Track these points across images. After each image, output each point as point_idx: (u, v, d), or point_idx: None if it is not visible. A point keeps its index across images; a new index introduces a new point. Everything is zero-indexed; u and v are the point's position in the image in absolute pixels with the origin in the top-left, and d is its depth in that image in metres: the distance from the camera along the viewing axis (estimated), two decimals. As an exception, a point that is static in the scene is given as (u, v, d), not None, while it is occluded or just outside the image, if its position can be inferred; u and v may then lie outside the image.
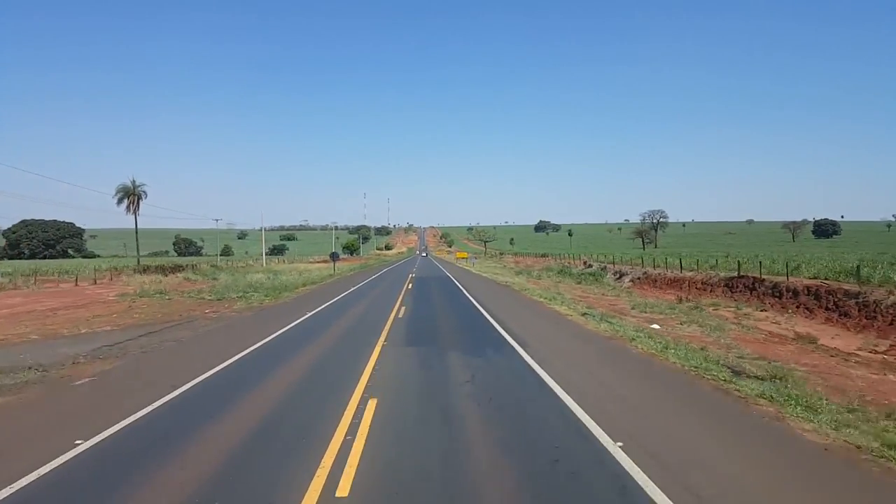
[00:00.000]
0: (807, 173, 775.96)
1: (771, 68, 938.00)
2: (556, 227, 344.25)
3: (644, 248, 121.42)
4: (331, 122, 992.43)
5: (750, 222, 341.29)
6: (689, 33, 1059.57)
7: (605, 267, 43.08)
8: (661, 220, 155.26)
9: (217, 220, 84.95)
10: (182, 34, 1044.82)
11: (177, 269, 44.06)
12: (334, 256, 45.23)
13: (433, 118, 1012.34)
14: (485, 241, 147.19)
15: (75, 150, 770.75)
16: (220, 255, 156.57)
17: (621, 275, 37.84)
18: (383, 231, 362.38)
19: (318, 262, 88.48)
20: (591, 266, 47.32)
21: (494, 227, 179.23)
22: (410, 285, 32.67)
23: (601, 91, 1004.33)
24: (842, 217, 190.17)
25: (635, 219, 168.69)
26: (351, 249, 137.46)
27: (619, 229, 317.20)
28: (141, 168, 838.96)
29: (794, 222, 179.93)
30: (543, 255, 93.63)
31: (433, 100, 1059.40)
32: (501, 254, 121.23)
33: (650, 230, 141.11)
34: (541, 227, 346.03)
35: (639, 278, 34.56)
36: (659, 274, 33.27)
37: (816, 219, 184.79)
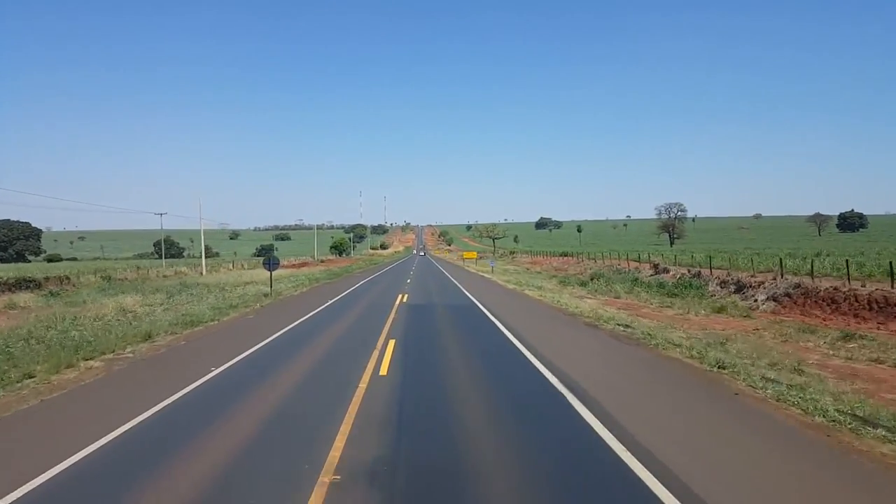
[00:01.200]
0: (813, 167, 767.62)
1: (768, 66, 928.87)
2: (558, 224, 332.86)
3: (671, 245, 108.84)
4: (327, 120, 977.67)
5: (758, 217, 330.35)
6: (689, 32, 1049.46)
7: (699, 273, 30.03)
8: (680, 213, 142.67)
9: (161, 215, 71.43)
10: (178, 33, 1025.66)
11: (23, 284, 27.87)
12: (270, 264, 29.74)
13: (430, 116, 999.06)
14: (493, 239, 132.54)
15: (54, 153, 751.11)
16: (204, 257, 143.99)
17: (741, 287, 24.87)
18: (380, 230, 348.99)
19: (292, 265, 74.60)
20: (666, 270, 34.18)
21: (494, 225, 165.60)
22: (392, 345, 13.21)
23: (602, 89, 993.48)
24: (853, 210, 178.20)
25: (638, 215, 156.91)
26: (340, 249, 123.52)
27: (625, 225, 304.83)
28: (131, 167, 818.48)
29: (819, 216, 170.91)
30: (564, 255, 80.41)
31: (431, 97, 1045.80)
32: (513, 253, 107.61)
33: (674, 225, 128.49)
34: (542, 224, 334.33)
35: (787, 295, 21.62)
36: (830, 290, 20.26)
37: (823, 212, 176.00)
